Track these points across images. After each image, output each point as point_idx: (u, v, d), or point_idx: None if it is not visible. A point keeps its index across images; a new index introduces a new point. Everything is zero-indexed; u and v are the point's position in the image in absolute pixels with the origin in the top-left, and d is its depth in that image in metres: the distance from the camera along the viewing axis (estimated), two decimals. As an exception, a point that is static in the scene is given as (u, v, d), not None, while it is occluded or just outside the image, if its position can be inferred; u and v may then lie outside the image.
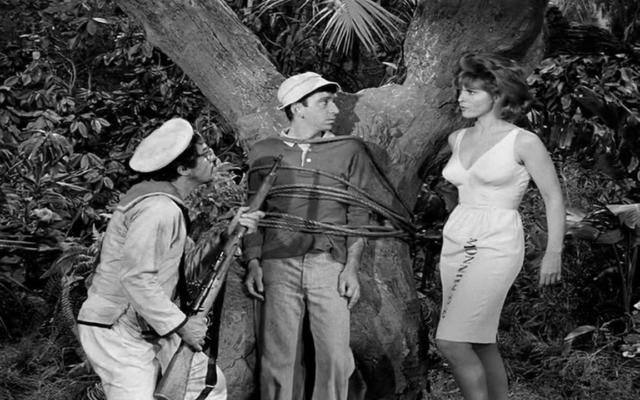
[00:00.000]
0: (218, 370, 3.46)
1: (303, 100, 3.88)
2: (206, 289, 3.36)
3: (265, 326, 3.85)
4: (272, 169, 3.62)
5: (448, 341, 3.77)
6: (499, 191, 3.77)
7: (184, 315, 3.24)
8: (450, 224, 3.91)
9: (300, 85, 3.87)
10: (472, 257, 3.77)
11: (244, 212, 3.49)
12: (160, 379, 3.31)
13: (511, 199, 3.80)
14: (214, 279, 3.38)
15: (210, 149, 3.45)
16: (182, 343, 3.29)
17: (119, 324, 3.23)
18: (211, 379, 3.38)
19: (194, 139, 3.33)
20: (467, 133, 3.95)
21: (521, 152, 3.75)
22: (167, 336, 3.25)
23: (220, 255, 3.42)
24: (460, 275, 3.79)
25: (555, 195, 3.78)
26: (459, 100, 3.82)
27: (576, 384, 5.00)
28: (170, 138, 3.29)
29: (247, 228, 3.46)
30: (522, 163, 3.76)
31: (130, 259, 3.14)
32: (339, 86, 3.98)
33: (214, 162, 3.48)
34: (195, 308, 3.32)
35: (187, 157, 3.31)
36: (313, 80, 3.90)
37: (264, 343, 3.85)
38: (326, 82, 3.89)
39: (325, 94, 3.88)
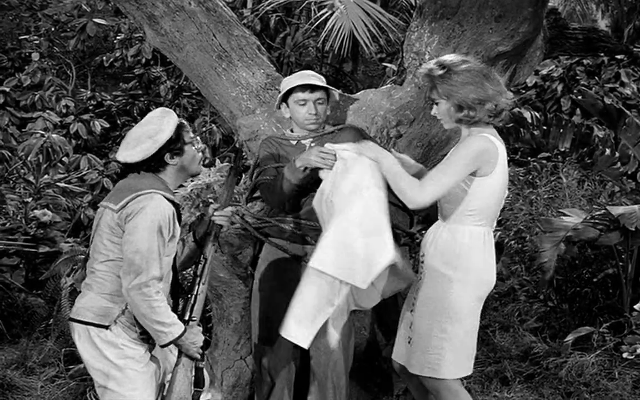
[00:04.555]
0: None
1: (285, 100, 3.88)
2: (193, 296, 3.30)
3: (261, 323, 3.83)
4: (235, 160, 3.51)
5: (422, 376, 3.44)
6: (448, 204, 3.40)
7: (183, 326, 3.18)
8: None
9: (285, 85, 3.87)
10: (422, 275, 3.46)
11: (215, 210, 3.41)
12: (157, 378, 3.28)
13: (463, 212, 3.37)
14: (199, 284, 3.32)
15: (198, 138, 3.36)
16: (180, 354, 3.25)
17: (117, 324, 3.16)
18: (200, 381, 3.33)
19: (180, 127, 3.24)
20: None
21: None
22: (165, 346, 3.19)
23: (201, 258, 3.36)
24: (416, 297, 3.47)
25: (427, 185, 3.24)
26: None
27: (576, 385, 4.98)
28: (154, 126, 3.19)
29: (221, 226, 3.41)
30: (473, 173, 3.30)
31: (135, 266, 3.07)
32: (322, 84, 3.82)
33: (203, 151, 3.39)
34: (187, 318, 3.26)
35: (174, 145, 3.21)
36: (294, 79, 3.86)
37: (259, 340, 3.83)
38: (301, 82, 3.81)
39: (300, 95, 3.81)
